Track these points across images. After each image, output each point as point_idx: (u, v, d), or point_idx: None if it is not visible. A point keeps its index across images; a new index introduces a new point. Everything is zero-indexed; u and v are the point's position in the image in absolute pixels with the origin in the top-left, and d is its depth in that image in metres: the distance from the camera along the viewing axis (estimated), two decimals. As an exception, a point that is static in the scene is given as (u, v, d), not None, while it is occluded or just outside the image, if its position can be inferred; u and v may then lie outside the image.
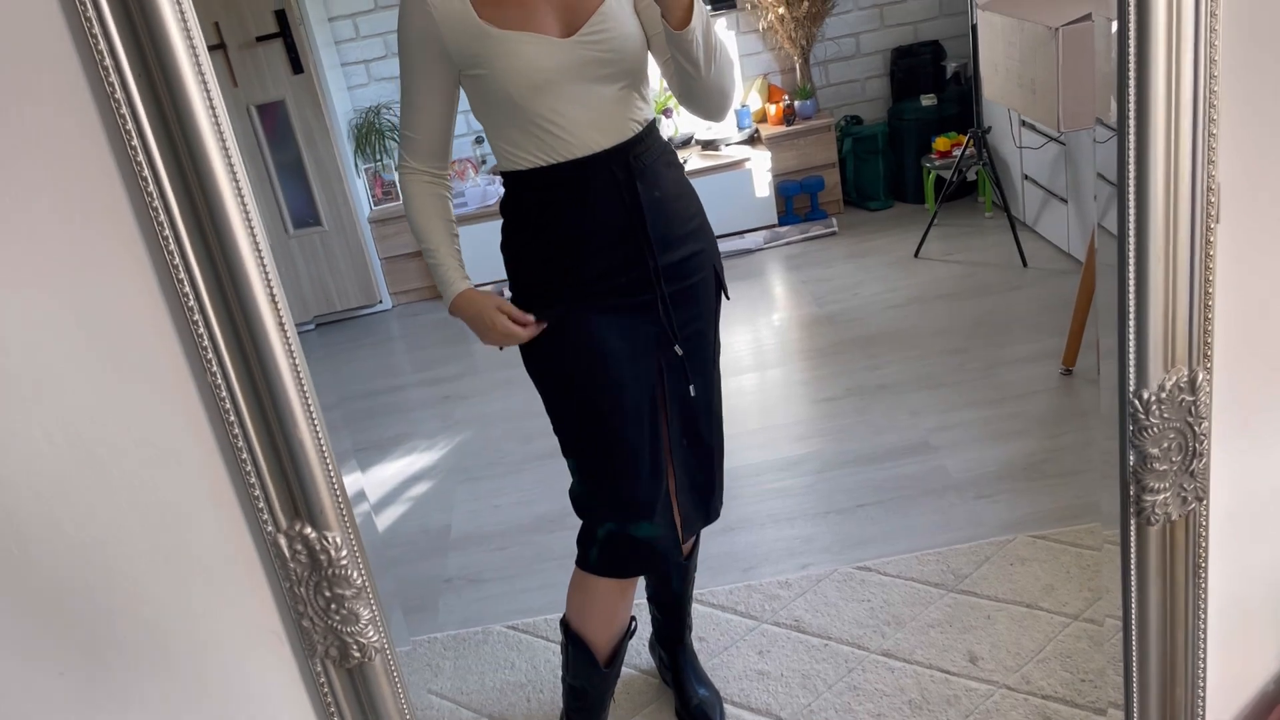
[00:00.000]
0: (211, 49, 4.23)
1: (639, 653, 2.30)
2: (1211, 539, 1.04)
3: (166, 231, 0.72)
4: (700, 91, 1.59)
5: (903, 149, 4.59)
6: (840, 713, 2.07)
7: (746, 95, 4.78)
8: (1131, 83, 0.83)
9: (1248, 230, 0.95)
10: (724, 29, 4.69)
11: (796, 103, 4.62)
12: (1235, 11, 0.88)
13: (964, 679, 2.09)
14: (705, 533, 2.37)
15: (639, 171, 1.62)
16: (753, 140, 4.68)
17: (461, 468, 3.24)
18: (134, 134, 0.71)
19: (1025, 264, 3.84)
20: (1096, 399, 2.96)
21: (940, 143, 4.35)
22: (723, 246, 4.45)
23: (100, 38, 0.69)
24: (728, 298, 1.82)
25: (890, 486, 2.74)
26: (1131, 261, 0.82)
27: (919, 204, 4.60)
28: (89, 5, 0.70)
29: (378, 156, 4.64)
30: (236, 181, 0.74)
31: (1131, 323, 0.82)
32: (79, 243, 0.75)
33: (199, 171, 0.73)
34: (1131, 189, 0.82)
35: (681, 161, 1.78)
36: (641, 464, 1.72)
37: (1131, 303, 0.81)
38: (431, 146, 1.66)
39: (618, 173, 1.60)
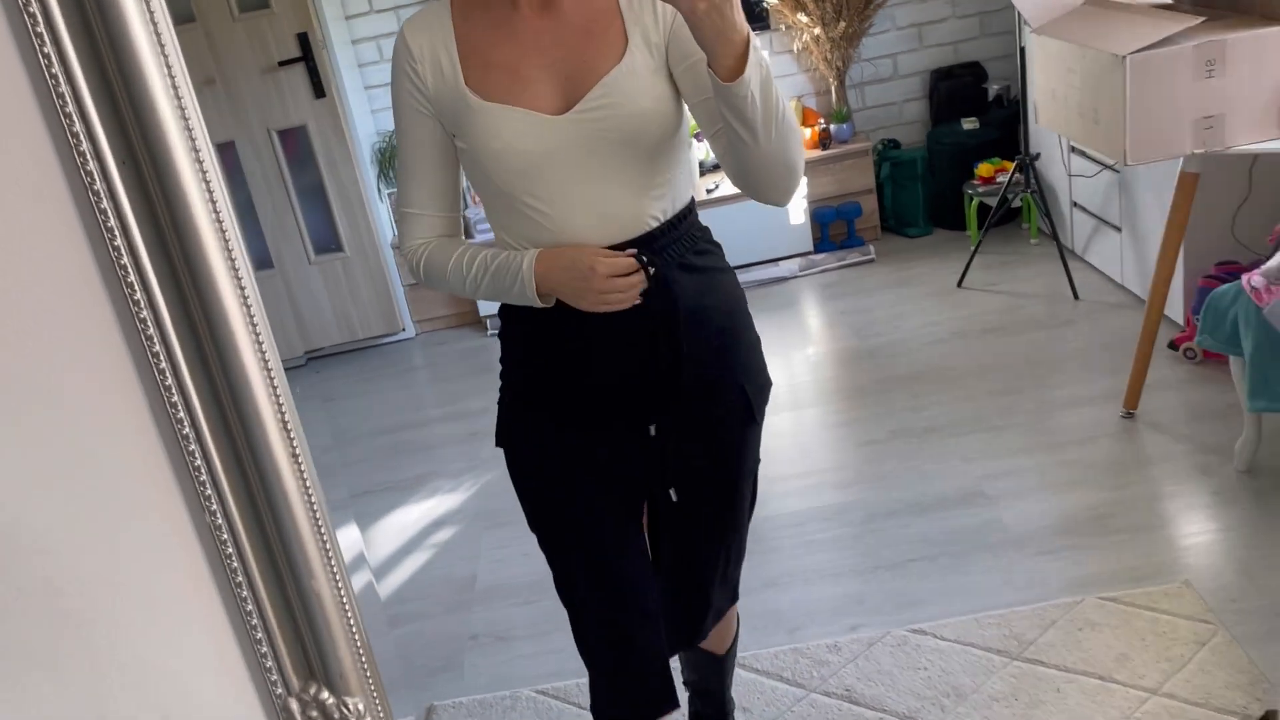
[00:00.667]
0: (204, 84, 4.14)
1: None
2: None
3: (164, 365, 0.58)
4: (757, 164, 1.27)
5: (942, 174, 4.43)
6: (899, 797, 1.91)
7: (780, 118, 4.63)
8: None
9: None
10: (757, 50, 4.54)
11: (832, 126, 4.47)
12: None
13: (1034, 762, 1.93)
14: (746, 588, 2.21)
15: (649, 272, 1.34)
16: (786, 165, 4.52)
17: (487, 511, 3.10)
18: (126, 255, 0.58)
19: (1076, 296, 3.67)
20: (1162, 445, 2.81)
21: (983, 169, 4.19)
22: (756, 275, 4.36)
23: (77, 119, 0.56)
24: (754, 420, 1.54)
25: (942, 540, 2.57)
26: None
27: (959, 230, 4.43)
28: (45, 32, 0.56)
29: (401, 182, 4.52)
30: (249, 310, 0.60)
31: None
32: (72, 390, 0.62)
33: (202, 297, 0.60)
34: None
35: (725, 261, 1.49)
36: (618, 625, 1.52)
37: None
38: (441, 224, 1.43)
39: None
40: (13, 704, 0.62)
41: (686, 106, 1.37)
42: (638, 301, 1.33)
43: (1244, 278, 2.40)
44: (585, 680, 2.29)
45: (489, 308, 4.44)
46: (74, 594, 0.63)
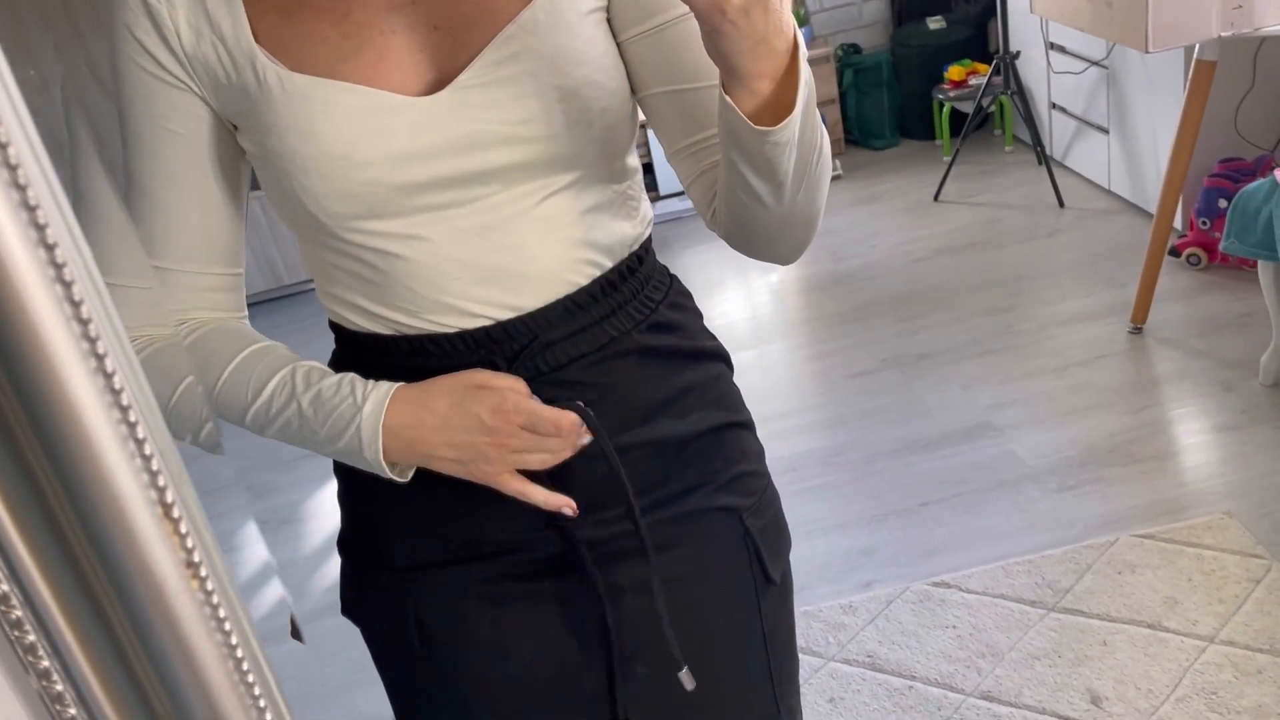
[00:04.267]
0: None
1: None
2: None
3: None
4: (767, 224, 0.79)
5: (909, 80, 4.14)
6: (943, 778, 1.69)
7: (731, 26, 4.29)
8: None
9: None
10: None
11: (789, 32, 4.14)
12: None
13: (1089, 727, 1.73)
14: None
15: (553, 369, 0.81)
16: (741, 76, 4.19)
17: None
18: None
19: (1062, 204, 3.44)
20: (1178, 362, 2.61)
21: (954, 71, 3.91)
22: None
23: None
24: (770, 581, 0.93)
25: (954, 479, 2.35)
26: None
27: (928, 140, 4.17)
28: None
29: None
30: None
31: None
32: None
33: None
34: None
35: (706, 333, 0.93)
36: None
37: None
38: (212, 283, 0.84)
39: (503, 370, 0.80)
40: None
41: (636, 99, 0.83)
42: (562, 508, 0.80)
43: (1276, 173, 2.17)
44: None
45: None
46: None
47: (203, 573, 0.31)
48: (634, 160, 0.87)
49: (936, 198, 3.69)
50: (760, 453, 0.96)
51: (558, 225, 0.79)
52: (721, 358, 0.94)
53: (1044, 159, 3.52)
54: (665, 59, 0.80)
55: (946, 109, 3.92)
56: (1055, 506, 2.20)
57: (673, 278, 0.92)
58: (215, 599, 0.33)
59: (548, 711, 0.89)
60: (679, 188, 4.01)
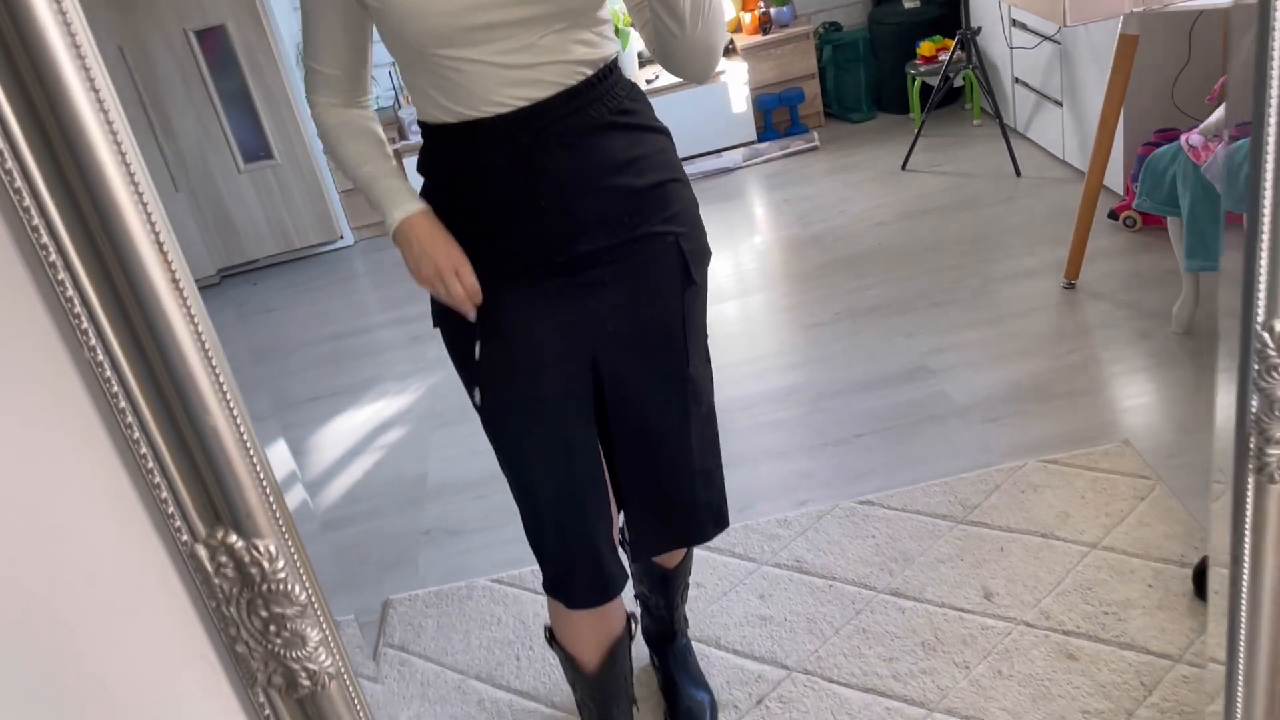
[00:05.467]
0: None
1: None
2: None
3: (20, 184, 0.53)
4: (682, 51, 1.28)
5: (885, 56, 4.36)
6: (850, 657, 1.95)
7: (718, 4, 4.52)
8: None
9: None
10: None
11: (772, 10, 4.36)
12: None
13: (979, 616, 1.97)
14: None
15: (557, 136, 1.31)
16: (727, 52, 4.42)
17: (435, 412, 3.07)
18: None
19: (1019, 173, 3.66)
20: (1102, 313, 2.83)
21: (925, 47, 4.12)
22: (700, 166, 4.28)
23: None
24: (692, 282, 1.46)
25: (889, 414, 2.60)
26: (1269, 168, 0.65)
27: (903, 114, 4.38)
28: None
29: (330, 83, 4.36)
30: (109, 122, 0.55)
31: (1264, 240, 0.66)
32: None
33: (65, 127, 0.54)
34: (1275, 71, 0.64)
35: (656, 120, 1.44)
36: (562, 511, 1.48)
37: (1266, 218, 0.65)
38: (344, 81, 1.38)
39: (525, 139, 1.30)
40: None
41: None
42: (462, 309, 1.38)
43: (1183, 137, 2.40)
44: (538, 567, 2.31)
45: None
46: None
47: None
48: (604, 12, 1.33)
49: (904, 167, 3.92)
50: (693, 201, 1.47)
51: (557, 50, 1.27)
52: (665, 133, 1.44)
53: (1003, 130, 3.74)
54: None
55: (918, 83, 4.13)
56: (976, 437, 2.45)
57: (633, 84, 1.41)
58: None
59: (557, 369, 1.41)
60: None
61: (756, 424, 2.68)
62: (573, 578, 1.53)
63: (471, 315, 1.38)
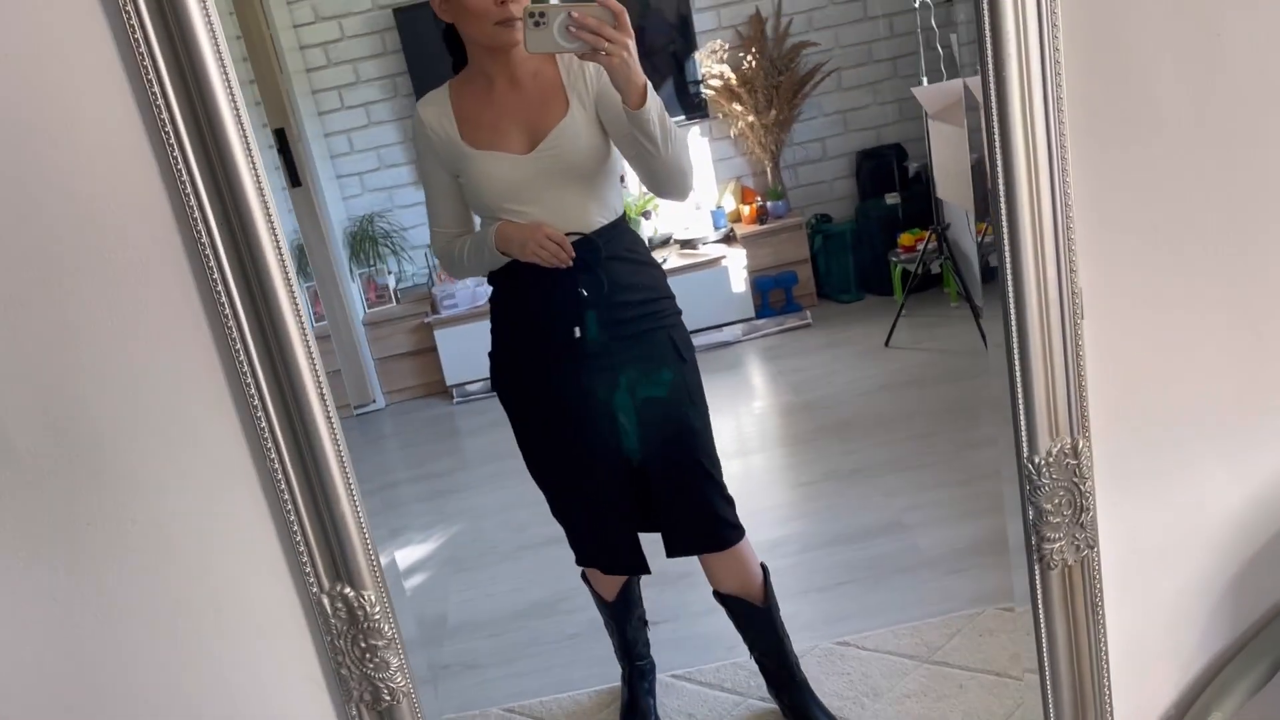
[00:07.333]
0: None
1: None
2: (1105, 581, 1.21)
3: (229, 319, 0.88)
4: (661, 169, 1.80)
5: (870, 244, 4.85)
6: (823, 781, 2.17)
7: (721, 197, 5.06)
8: (1003, 208, 1.02)
9: (1109, 323, 1.14)
10: (697, 136, 4.98)
11: (769, 203, 4.89)
12: (1082, 155, 1.08)
13: (939, 745, 2.21)
14: (691, 613, 2.51)
15: (590, 257, 1.88)
16: (728, 239, 4.93)
17: (455, 559, 3.36)
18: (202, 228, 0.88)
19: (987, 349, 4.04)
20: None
21: (905, 238, 4.60)
22: (703, 340, 4.71)
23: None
24: (684, 359, 2.01)
25: (866, 565, 2.88)
26: (1016, 350, 1.00)
27: (888, 295, 4.83)
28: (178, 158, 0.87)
29: (371, 262, 4.86)
30: (289, 279, 0.91)
31: (1020, 400, 0.99)
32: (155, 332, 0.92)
33: (255, 259, 0.90)
34: (1010, 291, 1.00)
35: (651, 258, 2.03)
36: (594, 516, 2.08)
37: (1019, 383, 0.99)
38: (454, 231, 1.98)
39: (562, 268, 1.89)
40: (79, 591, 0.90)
41: (613, 142, 1.88)
42: (560, 264, 1.84)
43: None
44: (549, 698, 2.55)
45: (454, 376, 4.74)
46: (137, 502, 0.92)
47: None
48: (616, 170, 1.90)
49: (887, 343, 4.32)
50: (678, 310, 2.00)
51: (585, 201, 1.86)
52: (658, 267, 2.02)
53: (975, 311, 4.15)
54: (616, 116, 1.78)
55: (899, 269, 4.59)
56: (941, 586, 2.72)
57: (636, 235, 2.00)
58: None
59: (594, 431, 1.98)
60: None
61: (747, 572, 2.96)
62: (598, 563, 2.20)
63: (565, 257, 1.83)
